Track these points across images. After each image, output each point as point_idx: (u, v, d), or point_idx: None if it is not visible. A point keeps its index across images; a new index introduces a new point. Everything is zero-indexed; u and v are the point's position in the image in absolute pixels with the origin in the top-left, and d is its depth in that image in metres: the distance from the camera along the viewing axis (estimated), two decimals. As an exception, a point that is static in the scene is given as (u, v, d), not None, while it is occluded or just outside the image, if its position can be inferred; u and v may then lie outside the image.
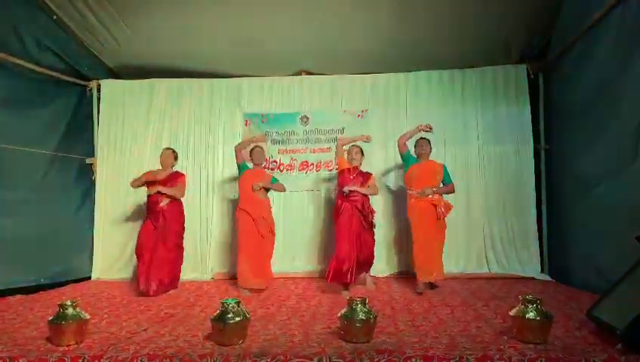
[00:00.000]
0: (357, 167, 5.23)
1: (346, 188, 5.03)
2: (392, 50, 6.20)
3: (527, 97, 6.27)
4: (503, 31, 5.90)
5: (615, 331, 2.71)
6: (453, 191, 5.19)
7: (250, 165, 5.47)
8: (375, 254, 5.26)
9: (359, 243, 5.00)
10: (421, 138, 5.22)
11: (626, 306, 2.81)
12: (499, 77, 6.38)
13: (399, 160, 5.37)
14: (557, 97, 5.88)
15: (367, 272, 5.32)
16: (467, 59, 6.36)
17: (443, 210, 4.99)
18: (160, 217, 5.19)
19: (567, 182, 5.58)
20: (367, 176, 5.24)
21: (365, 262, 5.13)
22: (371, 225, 5.16)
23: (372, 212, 5.16)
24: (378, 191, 5.48)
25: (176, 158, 5.54)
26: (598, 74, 4.77)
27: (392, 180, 6.40)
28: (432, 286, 5.12)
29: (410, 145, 5.25)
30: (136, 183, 5.34)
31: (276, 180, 5.58)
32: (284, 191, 5.71)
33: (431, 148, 5.22)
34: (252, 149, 5.47)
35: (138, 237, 5.23)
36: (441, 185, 5.14)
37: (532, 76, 6.26)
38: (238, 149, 5.38)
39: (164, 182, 5.27)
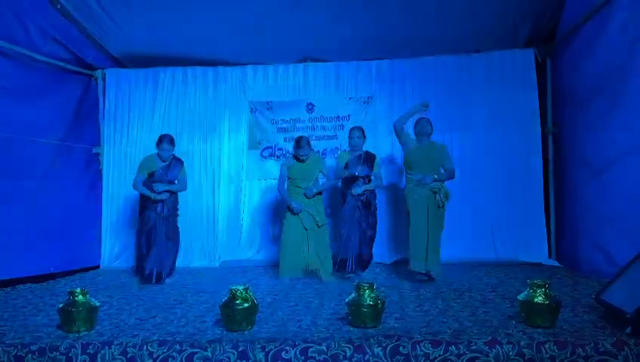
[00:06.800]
0: (360, 154, 5.15)
1: (354, 192, 4.99)
2: (396, 35, 6.11)
3: (534, 81, 6.19)
4: (510, 14, 5.80)
5: (624, 315, 2.70)
6: (453, 177, 4.93)
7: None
8: (378, 241, 5.38)
9: (361, 235, 5.01)
10: (421, 118, 4.93)
11: (636, 290, 2.80)
12: (506, 61, 6.29)
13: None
14: (565, 80, 5.81)
15: (363, 270, 5.18)
16: (473, 43, 6.28)
17: (442, 197, 4.72)
18: (161, 206, 5.10)
19: (576, 166, 5.52)
20: (370, 160, 5.13)
21: (365, 254, 5.12)
22: (374, 216, 5.14)
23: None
24: (383, 179, 5.44)
25: (174, 144, 5.24)
26: (607, 56, 4.70)
27: (397, 168, 6.36)
28: (427, 277, 4.68)
29: (409, 127, 5.06)
30: (141, 189, 5.15)
31: (324, 164, 5.30)
32: (335, 181, 5.37)
33: (432, 127, 4.92)
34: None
35: (140, 224, 5.18)
36: (442, 170, 4.86)
37: (540, 60, 6.17)
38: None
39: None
